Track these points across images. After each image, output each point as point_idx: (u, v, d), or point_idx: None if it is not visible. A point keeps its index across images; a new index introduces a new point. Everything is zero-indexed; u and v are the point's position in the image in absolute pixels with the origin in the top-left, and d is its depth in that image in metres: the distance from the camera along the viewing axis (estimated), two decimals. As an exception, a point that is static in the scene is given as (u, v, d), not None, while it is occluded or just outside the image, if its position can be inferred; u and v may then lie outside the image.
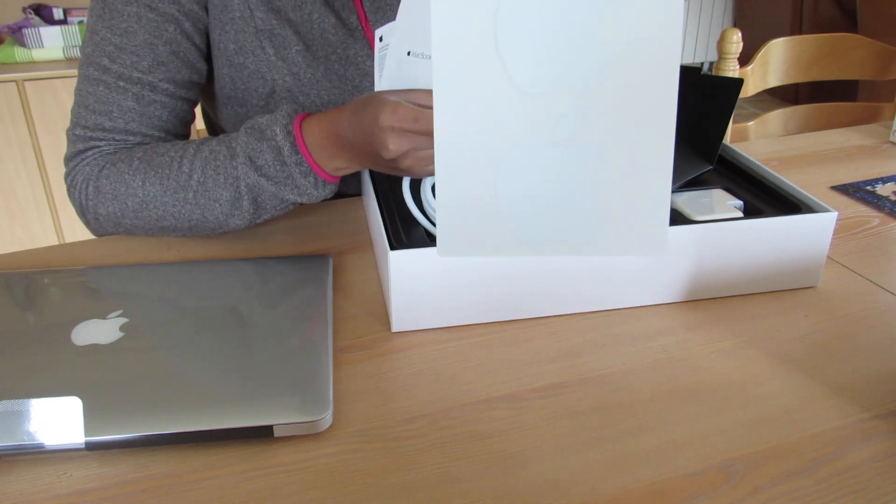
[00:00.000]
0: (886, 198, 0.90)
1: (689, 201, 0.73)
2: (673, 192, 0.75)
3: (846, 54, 1.45)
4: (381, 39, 0.67)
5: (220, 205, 0.71)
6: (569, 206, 0.49)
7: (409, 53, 0.64)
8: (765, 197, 0.76)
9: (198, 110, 0.88)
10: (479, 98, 0.47)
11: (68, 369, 0.55)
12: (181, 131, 0.82)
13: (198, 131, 1.87)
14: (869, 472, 0.50)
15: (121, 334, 0.60)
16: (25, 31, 1.97)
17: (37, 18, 2.08)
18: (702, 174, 0.81)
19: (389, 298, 0.64)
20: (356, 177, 0.90)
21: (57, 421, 0.51)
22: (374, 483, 0.49)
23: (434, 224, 0.61)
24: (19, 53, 1.99)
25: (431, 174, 0.65)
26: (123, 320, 0.61)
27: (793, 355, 0.62)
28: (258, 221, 0.74)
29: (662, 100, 0.45)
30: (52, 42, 2.00)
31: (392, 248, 0.61)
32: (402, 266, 0.61)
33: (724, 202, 0.73)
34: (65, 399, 0.52)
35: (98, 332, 0.60)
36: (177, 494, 0.48)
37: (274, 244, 0.78)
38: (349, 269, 0.74)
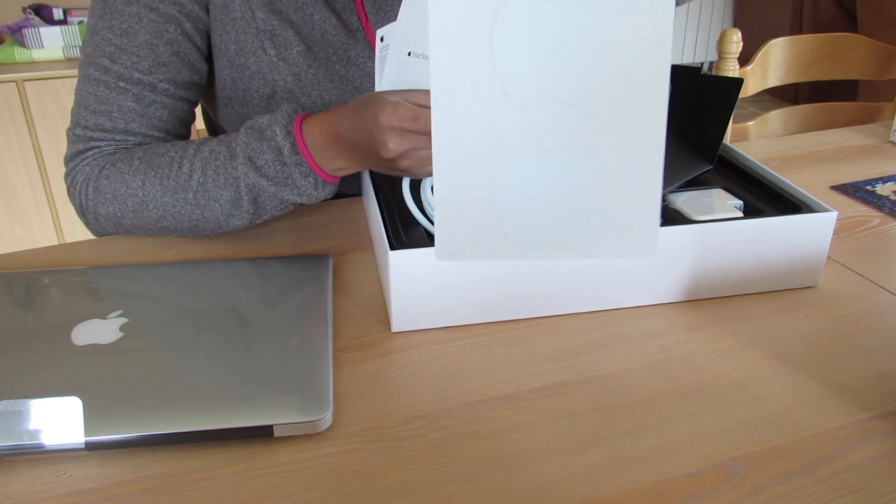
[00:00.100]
0: (886, 197, 0.90)
1: (689, 201, 0.73)
2: (673, 192, 0.76)
3: (846, 54, 1.45)
4: (381, 40, 0.67)
5: (220, 205, 0.71)
6: (562, 209, 0.50)
7: (409, 54, 0.64)
8: (765, 197, 0.76)
9: (198, 110, 0.88)
10: (474, 105, 0.48)
11: (68, 369, 0.55)
12: (181, 132, 0.82)
13: (198, 131, 1.87)
14: (869, 472, 0.50)
15: (121, 334, 0.60)
16: (25, 31, 1.97)
17: (37, 18, 2.09)
18: (702, 174, 0.81)
19: (389, 298, 0.64)
20: (356, 177, 0.90)
21: (57, 421, 0.51)
22: (374, 483, 0.49)
23: (434, 224, 0.62)
24: (19, 53, 1.99)
25: (430, 174, 0.65)
26: (123, 320, 0.61)
27: (793, 355, 0.62)
28: (258, 222, 0.74)
29: (652, 108, 0.46)
30: (52, 42, 2.00)
31: (392, 248, 0.61)
32: (402, 266, 0.61)
33: (724, 202, 0.73)
34: (65, 399, 0.52)
35: (98, 332, 0.60)
36: (177, 494, 0.48)
37: (274, 244, 0.78)
38: (349, 269, 0.74)
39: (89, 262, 0.75)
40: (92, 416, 0.51)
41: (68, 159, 0.77)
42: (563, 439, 0.53)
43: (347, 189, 0.90)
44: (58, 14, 2.12)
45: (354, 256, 0.76)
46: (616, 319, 0.66)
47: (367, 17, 0.84)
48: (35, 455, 0.51)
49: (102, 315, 0.62)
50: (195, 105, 0.83)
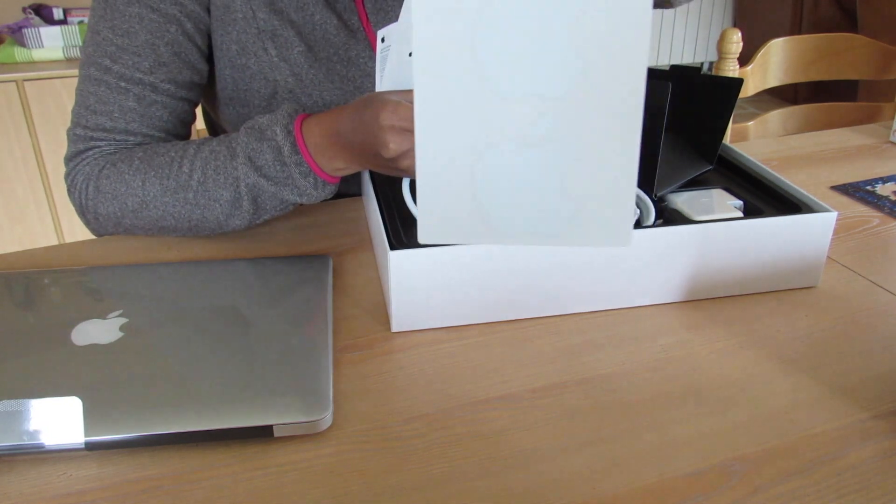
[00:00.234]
0: (886, 198, 0.90)
1: (689, 201, 0.73)
2: (673, 192, 0.76)
3: (846, 54, 1.45)
4: (382, 40, 0.67)
5: (220, 205, 0.71)
6: (541, 201, 0.52)
7: (410, 54, 0.64)
8: (765, 197, 0.76)
9: (198, 110, 0.88)
10: (457, 98, 0.49)
11: (68, 369, 0.55)
12: (182, 132, 0.82)
13: (198, 131, 1.87)
14: (869, 472, 0.50)
15: (121, 334, 0.60)
16: (25, 31, 1.97)
17: (37, 18, 2.09)
18: (702, 174, 0.81)
19: (389, 298, 0.64)
20: (356, 177, 0.90)
21: (57, 421, 0.51)
22: (374, 483, 0.49)
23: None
24: (19, 53, 1.99)
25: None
26: (123, 320, 0.61)
27: (793, 355, 0.62)
28: (258, 222, 0.74)
29: (629, 103, 0.49)
30: (52, 42, 2.00)
31: (392, 248, 0.61)
32: (402, 266, 0.61)
33: (724, 202, 0.73)
34: (65, 399, 0.52)
35: (98, 332, 0.60)
36: (177, 494, 0.48)
37: (274, 244, 0.78)
38: (349, 269, 0.74)
39: (89, 262, 0.75)
40: (92, 416, 0.51)
41: (68, 159, 0.77)
42: (563, 439, 0.53)
43: (347, 189, 0.90)
44: (58, 14, 2.12)
45: (354, 256, 0.76)
46: (616, 319, 0.66)
47: (367, 18, 0.84)
48: (35, 455, 0.51)
49: (102, 315, 0.62)
50: (196, 105, 0.83)
